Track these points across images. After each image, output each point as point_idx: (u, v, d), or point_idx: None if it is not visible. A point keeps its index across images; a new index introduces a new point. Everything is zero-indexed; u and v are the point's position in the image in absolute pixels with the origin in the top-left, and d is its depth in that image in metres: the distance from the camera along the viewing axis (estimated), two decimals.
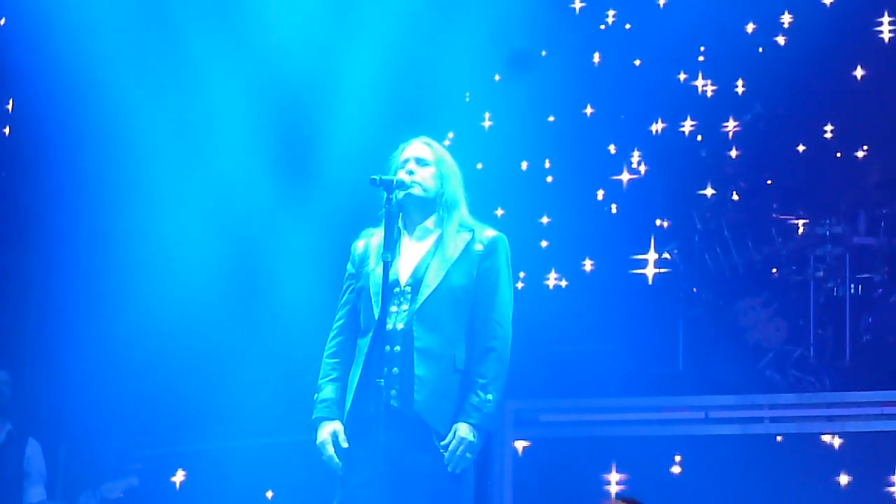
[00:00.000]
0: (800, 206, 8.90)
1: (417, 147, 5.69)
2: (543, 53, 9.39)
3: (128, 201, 8.77)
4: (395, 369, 5.42)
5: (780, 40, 9.32)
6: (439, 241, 5.59)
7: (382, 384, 5.34)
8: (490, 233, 5.65)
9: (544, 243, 9.28)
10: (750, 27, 9.38)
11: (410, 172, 5.61)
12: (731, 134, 9.24)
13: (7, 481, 8.14)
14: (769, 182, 9.10)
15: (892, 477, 7.07)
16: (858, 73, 9.18)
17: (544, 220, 9.32)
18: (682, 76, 9.47)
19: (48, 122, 9.03)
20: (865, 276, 8.57)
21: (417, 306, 5.49)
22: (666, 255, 9.07)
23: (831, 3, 9.14)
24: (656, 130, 9.46)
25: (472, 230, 5.63)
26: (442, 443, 5.41)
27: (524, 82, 9.15)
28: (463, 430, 5.41)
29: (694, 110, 9.42)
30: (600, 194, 9.40)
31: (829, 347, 8.47)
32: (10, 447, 8.22)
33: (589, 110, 9.49)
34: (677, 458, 7.42)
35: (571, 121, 9.43)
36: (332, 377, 5.62)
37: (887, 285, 8.45)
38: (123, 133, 8.62)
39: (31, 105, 9.19)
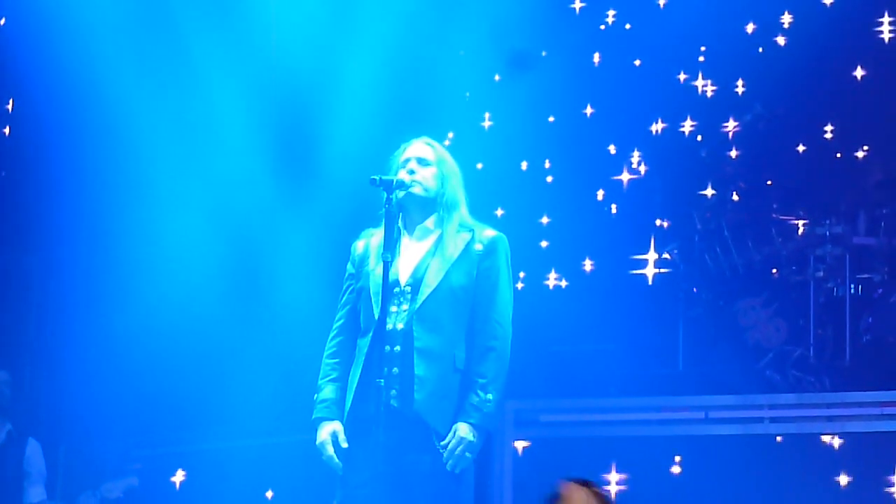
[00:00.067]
0: (800, 206, 8.90)
1: (419, 147, 5.69)
2: (543, 53, 9.38)
3: (128, 201, 8.77)
4: (395, 369, 5.42)
5: (780, 40, 9.32)
6: (439, 241, 5.60)
7: (382, 384, 5.34)
8: (490, 233, 5.65)
9: (544, 243, 9.28)
10: (750, 27, 9.38)
11: (412, 172, 5.61)
12: (731, 134, 9.24)
13: (7, 481, 8.14)
14: (769, 182, 9.10)
15: (892, 477, 7.07)
16: (858, 73, 9.18)
17: (544, 220, 9.32)
18: (682, 76, 9.47)
19: (48, 122, 9.03)
20: (865, 276, 8.57)
21: (417, 306, 5.49)
22: (666, 255, 9.08)
23: (831, 3, 9.14)
24: (656, 130, 9.46)
25: (472, 230, 5.63)
26: (442, 443, 5.41)
27: (524, 82, 9.15)
28: (463, 429, 5.41)
29: (694, 110, 9.42)
30: (600, 194, 9.40)
31: (829, 347, 8.47)
32: (10, 447, 8.22)
33: (589, 110, 9.50)
34: (677, 458, 7.42)
35: (571, 121, 9.43)
36: (331, 377, 5.62)
37: (887, 285, 8.45)
38: (123, 133, 8.62)
39: (31, 105, 9.20)
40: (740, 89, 9.33)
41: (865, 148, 9.10)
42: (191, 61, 8.58)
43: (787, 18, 9.32)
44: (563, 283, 9.20)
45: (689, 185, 9.18)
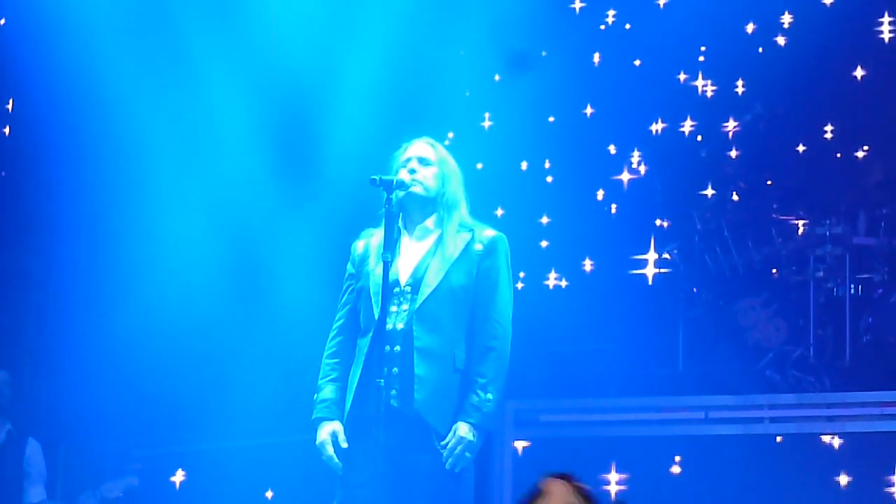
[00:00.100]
0: (800, 206, 8.90)
1: (421, 147, 5.70)
2: (543, 53, 9.38)
3: (128, 201, 8.77)
4: (395, 369, 5.42)
5: (780, 40, 9.32)
6: (439, 241, 5.60)
7: (382, 384, 5.35)
8: (490, 233, 5.66)
9: (544, 243, 9.28)
10: (750, 27, 9.38)
11: (412, 171, 5.61)
12: (731, 134, 9.23)
13: (7, 481, 8.14)
14: (769, 182, 9.09)
15: (892, 477, 7.07)
16: (858, 73, 9.18)
17: (544, 220, 9.32)
18: (682, 76, 9.46)
19: (48, 122, 9.03)
20: (865, 276, 8.56)
21: (417, 306, 5.49)
22: (666, 255, 9.07)
23: (831, 3, 9.14)
24: (656, 130, 9.45)
25: (471, 230, 5.64)
26: (442, 442, 5.41)
27: (524, 82, 9.15)
28: (463, 429, 5.41)
29: (694, 110, 9.42)
30: (600, 194, 9.40)
31: (829, 347, 8.46)
32: (10, 447, 8.22)
33: (589, 110, 9.49)
34: (677, 458, 7.42)
35: (571, 121, 9.43)
36: (331, 377, 5.62)
37: (887, 285, 8.44)
38: (123, 133, 8.62)
39: (31, 105, 9.20)
40: (740, 89, 9.33)
41: (865, 148, 9.10)
42: (191, 61, 8.57)
43: (787, 18, 9.32)
44: (563, 283, 9.20)
45: (689, 185, 9.17)
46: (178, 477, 8.58)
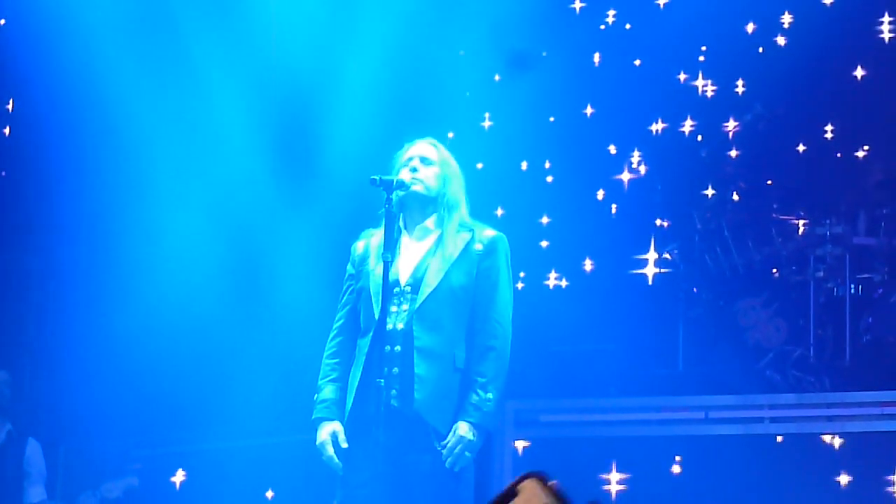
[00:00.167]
0: (800, 206, 8.90)
1: (423, 147, 5.71)
2: (544, 54, 9.38)
3: (128, 201, 8.77)
4: (396, 369, 5.42)
5: (780, 40, 9.32)
6: (439, 241, 5.60)
7: (382, 384, 5.35)
8: (490, 232, 5.66)
9: (544, 243, 9.28)
10: (750, 27, 9.38)
11: (414, 170, 5.62)
12: (731, 134, 9.23)
13: (7, 481, 8.14)
14: (769, 182, 9.10)
15: (892, 477, 7.07)
16: (858, 73, 9.18)
17: (544, 220, 9.32)
18: (682, 76, 9.46)
19: (48, 122, 9.03)
20: (865, 276, 8.56)
21: (417, 306, 5.49)
22: (666, 255, 9.07)
23: (831, 3, 9.14)
24: (656, 130, 9.45)
25: (471, 230, 5.64)
26: (442, 442, 5.41)
27: (524, 82, 9.15)
28: (463, 428, 5.41)
29: (694, 110, 9.42)
30: (600, 194, 9.40)
31: (829, 347, 8.46)
32: (10, 447, 8.22)
33: (589, 110, 9.49)
34: (677, 458, 7.42)
35: (571, 121, 9.43)
36: (331, 377, 5.62)
37: (887, 285, 8.45)
38: (123, 133, 8.62)
39: (31, 105, 9.20)
40: (740, 89, 9.33)
41: (865, 148, 9.10)
42: (191, 61, 8.57)
43: (787, 18, 9.32)
44: (563, 283, 9.20)
45: (689, 185, 9.18)
46: (178, 477, 8.58)
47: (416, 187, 5.59)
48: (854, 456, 7.18)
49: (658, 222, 9.22)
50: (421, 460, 5.42)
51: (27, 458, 8.23)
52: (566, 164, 9.34)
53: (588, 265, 9.22)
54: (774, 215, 8.91)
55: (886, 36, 9.18)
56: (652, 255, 9.11)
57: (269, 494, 8.24)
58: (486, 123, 9.40)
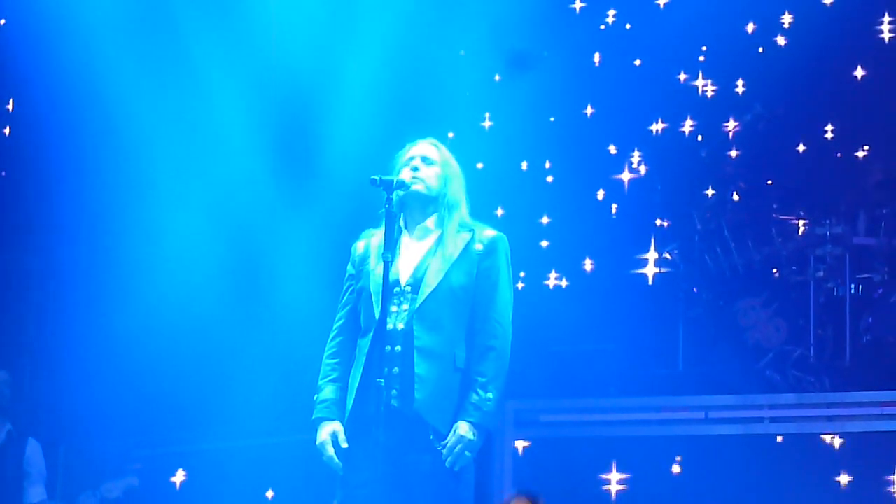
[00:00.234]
0: (800, 206, 8.91)
1: (424, 147, 5.71)
2: (544, 54, 9.38)
3: (128, 201, 8.77)
4: (396, 369, 5.42)
5: (780, 40, 9.32)
6: (439, 241, 5.60)
7: (383, 384, 5.35)
8: (490, 232, 5.66)
9: (544, 243, 9.28)
10: (750, 27, 9.38)
11: (415, 169, 5.61)
12: (731, 134, 9.24)
13: (7, 481, 8.14)
14: (769, 182, 9.10)
15: (892, 477, 7.07)
16: (858, 73, 9.18)
17: (544, 220, 9.32)
18: (682, 76, 9.47)
19: (48, 122, 9.03)
20: (865, 276, 8.57)
21: (417, 306, 5.49)
22: (666, 255, 9.08)
23: (831, 3, 9.14)
24: (656, 130, 9.46)
25: (472, 230, 5.64)
26: (442, 442, 5.41)
27: (524, 82, 9.15)
28: (463, 428, 5.41)
29: (694, 110, 9.42)
30: (600, 194, 9.40)
31: (829, 347, 8.47)
32: (10, 447, 8.23)
33: (589, 110, 9.50)
34: (677, 458, 7.42)
35: (571, 121, 9.43)
36: (332, 377, 5.62)
37: (887, 285, 8.45)
38: (123, 133, 8.62)
39: (31, 105, 9.20)
40: (740, 89, 9.34)
41: (865, 148, 9.11)
42: (191, 61, 8.58)
43: (787, 18, 9.32)
44: (563, 283, 9.20)
45: (689, 185, 9.18)
46: (179, 477, 8.59)
47: (417, 186, 5.59)
48: (854, 456, 7.18)
49: (658, 222, 9.23)
50: (421, 460, 5.41)
51: (27, 458, 8.23)
52: (566, 164, 9.35)
53: (588, 265, 9.23)
54: (774, 215, 8.91)
55: (886, 36, 9.18)
56: (652, 255, 9.11)
57: (269, 494, 8.24)
58: (487, 123, 9.41)
